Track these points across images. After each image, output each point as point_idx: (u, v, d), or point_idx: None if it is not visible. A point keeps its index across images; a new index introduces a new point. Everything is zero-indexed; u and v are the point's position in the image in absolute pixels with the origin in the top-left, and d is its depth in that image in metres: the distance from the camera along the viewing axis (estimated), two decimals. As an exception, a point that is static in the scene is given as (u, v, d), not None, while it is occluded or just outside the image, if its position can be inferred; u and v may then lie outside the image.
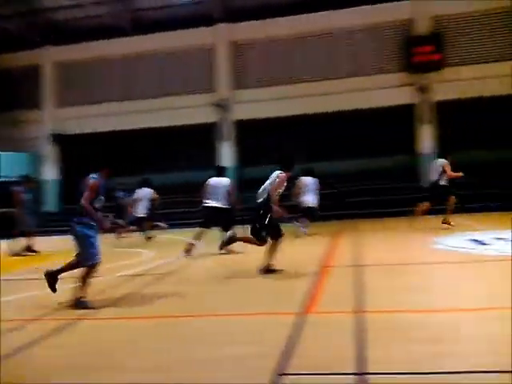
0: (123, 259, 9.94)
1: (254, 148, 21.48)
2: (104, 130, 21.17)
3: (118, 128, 21.10)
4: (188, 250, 9.92)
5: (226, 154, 20.55)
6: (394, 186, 18.55)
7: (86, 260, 5.85)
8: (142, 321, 5.23)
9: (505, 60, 18.57)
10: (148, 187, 13.70)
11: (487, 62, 18.75)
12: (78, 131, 21.49)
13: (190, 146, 22.00)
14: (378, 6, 19.21)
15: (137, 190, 13.70)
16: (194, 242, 10.13)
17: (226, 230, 10.10)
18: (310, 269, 7.42)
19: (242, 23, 20.32)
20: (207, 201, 10.22)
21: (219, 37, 20.58)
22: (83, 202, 5.79)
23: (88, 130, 21.27)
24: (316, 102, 19.50)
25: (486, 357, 3.52)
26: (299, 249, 10.24)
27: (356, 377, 3.27)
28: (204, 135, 21.63)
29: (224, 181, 10.38)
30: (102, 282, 7.04)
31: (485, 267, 7.02)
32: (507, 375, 3.15)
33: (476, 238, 9.77)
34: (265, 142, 21.49)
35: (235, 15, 20.32)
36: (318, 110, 19.73)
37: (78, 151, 20.77)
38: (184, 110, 20.46)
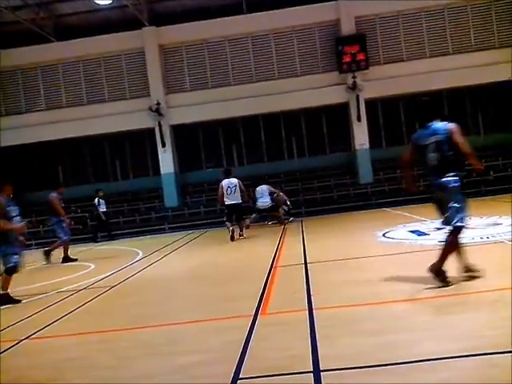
0: (63, 275, 9.58)
1: (193, 152, 21.41)
2: (32, 140, 20.29)
3: (47, 138, 20.20)
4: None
5: (166, 160, 20.17)
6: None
7: (453, 220, 5.14)
8: (86, 336, 5.04)
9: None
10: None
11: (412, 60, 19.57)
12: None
13: (130, 153, 21.66)
14: (307, 6, 19.50)
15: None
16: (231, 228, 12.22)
17: (239, 220, 12.58)
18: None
19: (170, 26, 19.97)
20: (226, 199, 12.21)
21: (147, 41, 20.08)
22: (465, 146, 5.08)
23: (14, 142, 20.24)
24: (249, 105, 19.56)
25: (435, 344, 3.64)
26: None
27: (311, 375, 3.29)
28: (144, 141, 21.31)
29: (233, 180, 12.28)
30: (43, 299, 6.74)
31: (427, 257, 7.27)
32: (452, 361, 3.27)
33: (417, 229, 10.14)
34: (203, 145, 21.47)
35: (162, 19, 20.03)
36: (251, 112, 19.87)
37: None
38: (121, 116, 19.89)
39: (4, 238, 7.00)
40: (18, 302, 7.08)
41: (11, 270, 7.09)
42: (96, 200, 17.47)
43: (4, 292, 7.11)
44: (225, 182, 12.27)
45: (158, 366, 3.85)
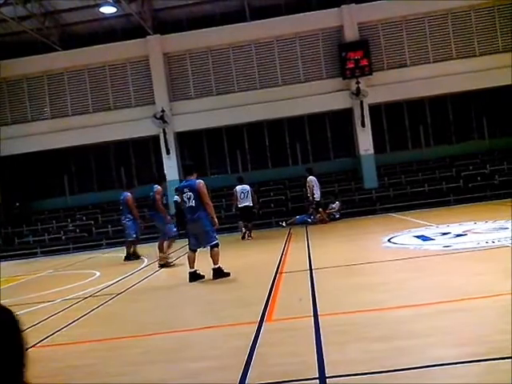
0: (69, 283, 9.61)
1: (197, 159, 21.42)
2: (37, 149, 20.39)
3: (52, 147, 20.31)
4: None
5: (171, 167, 20.21)
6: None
7: None
8: (95, 343, 5.06)
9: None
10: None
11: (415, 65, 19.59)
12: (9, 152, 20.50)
13: (135, 161, 21.71)
14: (310, 13, 19.57)
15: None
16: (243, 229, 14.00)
17: (249, 221, 14.03)
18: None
19: (174, 34, 20.07)
20: (239, 203, 13.82)
21: (152, 49, 20.18)
22: None
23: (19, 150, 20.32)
24: (253, 111, 19.60)
25: (441, 349, 3.63)
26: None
27: (318, 381, 3.30)
28: (149, 148, 21.36)
29: (246, 186, 13.97)
30: (49, 307, 6.75)
31: (432, 262, 7.27)
32: (464, 366, 3.27)
33: (423, 234, 10.12)
34: (207, 151, 21.50)
35: (167, 27, 20.17)
36: (256, 118, 19.90)
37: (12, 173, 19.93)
38: (126, 124, 19.97)
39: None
40: (228, 275, 7.73)
41: (215, 246, 7.91)
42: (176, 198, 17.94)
43: (217, 266, 7.82)
44: (238, 188, 13.98)
45: (168, 373, 3.87)
